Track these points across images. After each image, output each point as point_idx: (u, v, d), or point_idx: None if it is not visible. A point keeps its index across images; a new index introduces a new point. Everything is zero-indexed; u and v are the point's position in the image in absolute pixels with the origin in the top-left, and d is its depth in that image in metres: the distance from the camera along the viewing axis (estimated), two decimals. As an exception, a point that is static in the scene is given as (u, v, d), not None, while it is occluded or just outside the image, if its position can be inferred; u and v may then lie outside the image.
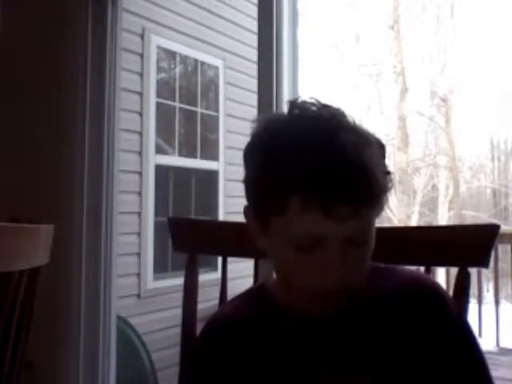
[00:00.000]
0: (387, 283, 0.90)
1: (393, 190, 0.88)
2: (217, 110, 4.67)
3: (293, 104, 0.87)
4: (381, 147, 0.84)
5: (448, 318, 0.88)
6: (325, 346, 0.87)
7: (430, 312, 0.87)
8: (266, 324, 0.90)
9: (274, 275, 0.95)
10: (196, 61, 4.53)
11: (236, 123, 4.70)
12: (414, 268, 1.02)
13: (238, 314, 0.93)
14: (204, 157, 4.57)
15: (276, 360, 0.87)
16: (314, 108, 0.85)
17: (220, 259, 1.39)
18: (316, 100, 0.86)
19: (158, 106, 4.11)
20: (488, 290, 5.93)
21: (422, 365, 0.85)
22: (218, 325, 0.95)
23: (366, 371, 0.85)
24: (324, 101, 0.86)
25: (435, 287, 0.91)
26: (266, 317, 0.91)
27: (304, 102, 0.86)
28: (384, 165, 0.83)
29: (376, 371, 0.85)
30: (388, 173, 0.83)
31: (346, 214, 0.78)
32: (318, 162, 0.78)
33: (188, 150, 4.52)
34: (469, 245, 1.04)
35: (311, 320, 0.87)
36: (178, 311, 1.29)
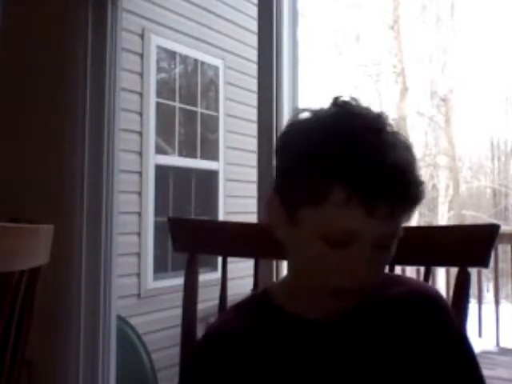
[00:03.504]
0: (392, 291, 0.90)
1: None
2: (217, 110, 4.67)
3: (337, 100, 0.86)
4: (414, 156, 0.84)
5: (447, 328, 0.89)
6: (330, 349, 0.86)
7: (431, 321, 0.88)
8: (270, 330, 0.89)
9: (277, 278, 0.95)
10: (196, 61, 4.53)
11: (236, 123, 4.70)
12: (414, 276, 1.02)
13: (241, 321, 0.91)
14: (204, 157, 4.57)
15: (281, 366, 0.86)
16: (357, 107, 0.85)
17: (220, 259, 1.39)
18: (358, 100, 0.86)
19: (158, 105, 4.11)
20: (488, 290, 5.93)
21: (421, 371, 0.86)
22: (219, 332, 0.92)
23: (372, 376, 0.85)
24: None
25: (437, 297, 0.92)
26: (270, 323, 0.89)
27: (347, 100, 0.86)
28: (419, 173, 0.83)
29: (380, 376, 0.85)
30: (422, 182, 0.82)
31: (385, 215, 0.78)
32: (367, 157, 0.77)
33: (188, 150, 4.52)
34: (469, 245, 1.04)
35: (317, 324, 0.87)
36: (178, 311, 1.29)
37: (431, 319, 0.88)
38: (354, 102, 0.86)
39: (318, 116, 0.85)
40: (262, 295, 0.96)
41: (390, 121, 0.84)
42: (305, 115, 0.86)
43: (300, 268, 0.89)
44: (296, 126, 0.87)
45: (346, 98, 0.86)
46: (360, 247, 0.80)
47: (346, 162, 0.77)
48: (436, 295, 0.92)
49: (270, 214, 0.88)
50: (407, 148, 0.83)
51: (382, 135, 0.80)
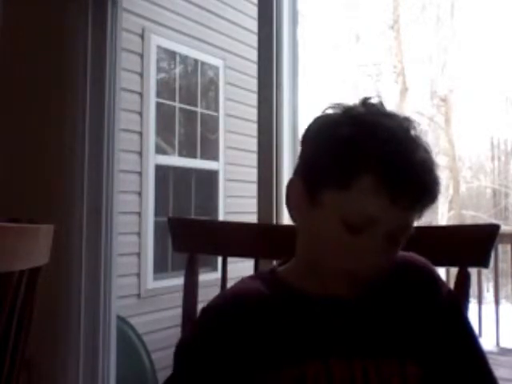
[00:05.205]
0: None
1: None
2: (217, 110, 4.67)
3: (366, 100, 0.90)
4: (435, 158, 0.89)
5: (438, 294, 0.94)
6: (339, 327, 0.88)
7: (424, 290, 0.93)
8: (281, 303, 0.90)
9: (284, 260, 0.96)
10: (196, 61, 4.53)
11: (236, 123, 4.70)
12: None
13: (253, 292, 0.91)
14: (204, 157, 4.57)
15: (291, 341, 0.87)
16: (385, 108, 0.90)
17: (220, 259, 1.39)
18: (383, 103, 0.90)
19: (158, 105, 4.11)
20: (488, 290, 5.93)
21: (421, 338, 0.90)
22: (233, 300, 0.91)
23: (377, 351, 0.87)
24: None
25: (425, 268, 0.96)
26: (281, 297, 0.91)
27: (375, 102, 0.90)
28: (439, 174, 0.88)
29: (384, 351, 0.87)
30: (440, 183, 0.87)
31: (406, 208, 0.83)
32: (398, 150, 0.82)
33: (188, 150, 4.52)
34: (469, 245, 1.05)
35: (326, 303, 0.89)
36: (178, 311, 1.29)
37: (423, 290, 0.93)
38: (381, 104, 0.90)
39: (349, 111, 0.89)
40: (269, 273, 0.96)
41: (415, 124, 0.88)
42: (333, 110, 0.90)
43: (314, 251, 0.90)
44: (325, 116, 0.91)
45: (373, 99, 0.91)
46: (374, 236, 0.83)
47: (377, 153, 0.81)
48: (423, 264, 0.96)
49: (291, 195, 0.91)
50: (429, 150, 0.88)
51: (408, 134, 0.86)
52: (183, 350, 0.90)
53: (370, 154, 0.82)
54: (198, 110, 4.54)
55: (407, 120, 0.88)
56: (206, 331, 0.89)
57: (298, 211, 0.91)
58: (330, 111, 0.90)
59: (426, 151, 0.86)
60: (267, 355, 0.86)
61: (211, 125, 4.67)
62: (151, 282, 3.96)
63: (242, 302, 0.90)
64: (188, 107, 4.49)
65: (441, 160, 11.03)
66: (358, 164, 0.82)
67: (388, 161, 0.81)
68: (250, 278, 0.97)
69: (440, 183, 0.86)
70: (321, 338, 0.87)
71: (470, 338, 0.94)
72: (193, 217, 4.41)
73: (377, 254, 0.84)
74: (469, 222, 10.27)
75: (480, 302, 4.38)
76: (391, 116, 0.88)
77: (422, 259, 0.97)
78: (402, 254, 0.93)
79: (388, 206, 0.81)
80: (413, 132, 0.87)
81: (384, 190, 0.81)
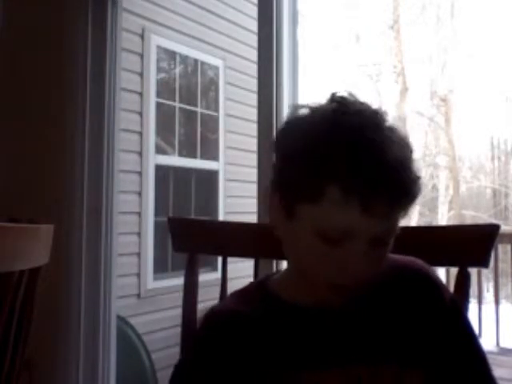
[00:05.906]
0: (383, 271, 0.90)
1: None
2: (217, 110, 4.67)
3: (334, 95, 0.86)
4: (412, 151, 0.84)
5: (440, 300, 0.92)
6: (332, 336, 0.87)
7: (423, 295, 0.91)
8: (272, 316, 0.89)
9: (278, 270, 0.95)
10: (196, 61, 4.53)
11: (236, 123, 4.70)
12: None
13: (243, 306, 0.91)
14: (204, 157, 4.57)
15: (284, 352, 0.87)
16: (355, 103, 0.85)
17: (220, 259, 1.39)
18: (355, 95, 0.86)
19: (158, 105, 4.11)
20: (488, 290, 5.93)
21: (422, 344, 0.88)
22: (223, 316, 0.91)
23: (369, 359, 0.86)
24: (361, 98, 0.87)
25: (424, 271, 0.94)
26: (271, 310, 0.90)
27: (345, 97, 0.86)
28: (417, 169, 0.83)
29: (378, 358, 0.86)
30: (419, 177, 0.82)
31: (382, 213, 0.78)
32: (364, 156, 0.77)
33: (188, 150, 4.52)
34: (469, 245, 1.04)
35: (310, 310, 0.88)
36: (178, 311, 1.29)
37: (423, 295, 0.91)
38: (351, 98, 0.86)
39: (316, 113, 0.85)
40: (259, 285, 0.96)
41: (387, 116, 0.84)
42: (302, 111, 0.86)
43: (297, 262, 0.90)
44: (293, 122, 0.87)
45: (343, 93, 0.86)
46: (356, 245, 0.80)
47: (343, 161, 0.77)
48: (423, 269, 0.94)
49: (270, 208, 0.89)
50: (404, 143, 0.83)
51: (378, 132, 0.81)
52: (181, 372, 0.91)
53: (334, 163, 0.77)
54: (198, 110, 4.54)
55: (377, 114, 0.84)
56: (200, 354, 0.89)
57: (278, 223, 0.88)
58: (297, 114, 0.87)
59: (401, 145, 0.81)
60: (261, 371, 0.86)
61: (211, 125, 4.67)
62: (151, 282, 3.96)
63: (231, 321, 0.89)
64: (188, 107, 4.49)
65: (441, 160, 11.04)
66: (324, 175, 0.78)
67: (353, 167, 0.77)
68: (240, 291, 0.96)
69: (419, 179, 0.81)
70: (313, 349, 0.86)
71: (470, 339, 0.92)
72: (193, 217, 4.41)
73: (360, 261, 0.81)
74: (469, 222, 10.28)
75: (480, 302, 4.38)
76: (359, 113, 0.82)
77: (420, 263, 0.95)
78: (400, 258, 0.92)
79: (360, 216, 0.77)
80: (386, 125, 0.82)
81: (353, 199, 0.77)
